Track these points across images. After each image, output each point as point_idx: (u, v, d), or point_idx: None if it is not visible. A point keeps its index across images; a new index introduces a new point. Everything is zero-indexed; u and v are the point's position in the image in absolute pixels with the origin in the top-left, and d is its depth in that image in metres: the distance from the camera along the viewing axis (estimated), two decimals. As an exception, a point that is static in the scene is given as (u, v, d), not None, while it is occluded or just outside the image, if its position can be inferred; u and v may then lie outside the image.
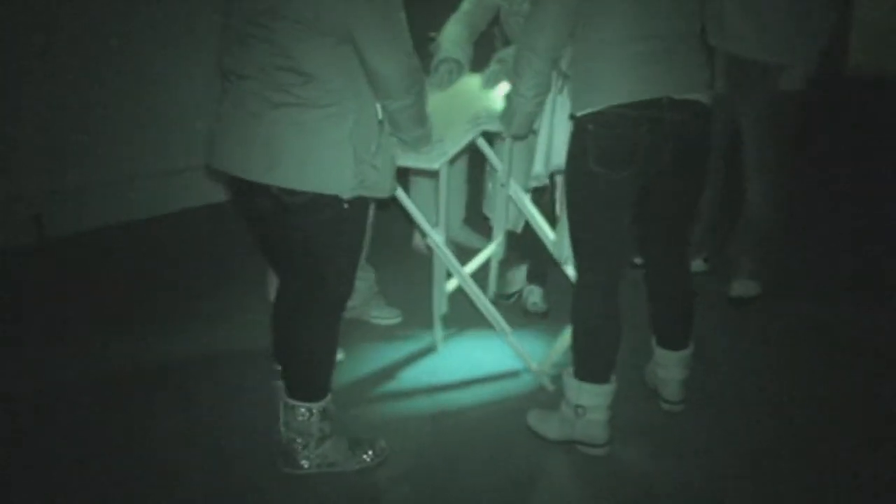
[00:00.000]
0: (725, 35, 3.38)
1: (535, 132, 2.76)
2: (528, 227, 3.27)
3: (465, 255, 3.36)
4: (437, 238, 3.03)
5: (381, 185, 2.36)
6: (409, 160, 2.62)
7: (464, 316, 3.38)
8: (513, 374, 3.15)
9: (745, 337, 3.45)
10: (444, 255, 3.05)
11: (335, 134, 2.21)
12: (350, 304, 2.68)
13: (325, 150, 2.22)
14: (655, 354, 2.89)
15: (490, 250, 3.39)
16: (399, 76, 2.24)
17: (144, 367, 3.23)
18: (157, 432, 2.83)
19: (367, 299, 3.43)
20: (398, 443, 2.72)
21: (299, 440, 2.54)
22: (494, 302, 3.33)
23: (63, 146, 4.36)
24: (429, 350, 3.31)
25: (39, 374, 3.17)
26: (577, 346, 2.67)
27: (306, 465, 2.56)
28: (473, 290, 3.09)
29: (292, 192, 2.25)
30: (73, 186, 4.43)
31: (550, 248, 3.16)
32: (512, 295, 3.66)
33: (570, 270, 2.99)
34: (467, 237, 4.09)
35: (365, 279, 3.36)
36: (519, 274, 3.65)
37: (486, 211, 3.53)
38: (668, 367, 2.86)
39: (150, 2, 4.47)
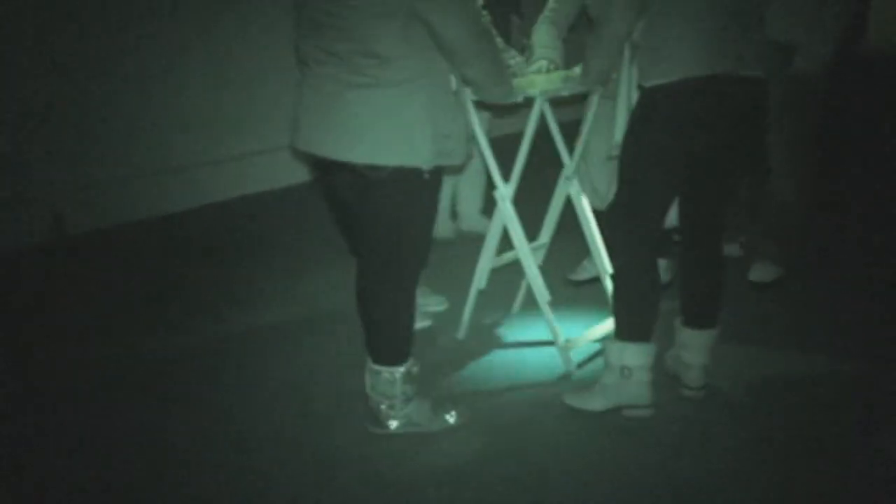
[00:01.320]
0: None
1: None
2: None
3: (481, 243, 3.33)
4: (504, 192, 3.10)
5: (456, 152, 2.50)
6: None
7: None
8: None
9: (760, 323, 3.40)
10: (507, 211, 3.11)
11: (412, 110, 2.35)
12: None
13: (403, 125, 2.35)
14: (681, 337, 2.86)
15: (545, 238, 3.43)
16: (470, 41, 2.35)
17: (208, 344, 3.35)
18: (235, 401, 2.93)
19: None
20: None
21: (385, 402, 2.66)
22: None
23: (83, 143, 4.40)
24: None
25: (104, 355, 3.25)
26: (619, 306, 2.74)
27: (393, 426, 2.68)
28: (526, 254, 3.12)
29: (375, 168, 2.38)
30: (94, 183, 4.46)
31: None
32: (581, 282, 3.73)
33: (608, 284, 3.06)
34: (485, 227, 4.18)
35: None
36: (590, 264, 3.63)
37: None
38: (694, 350, 2.83)
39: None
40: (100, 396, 2.95)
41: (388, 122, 2.35)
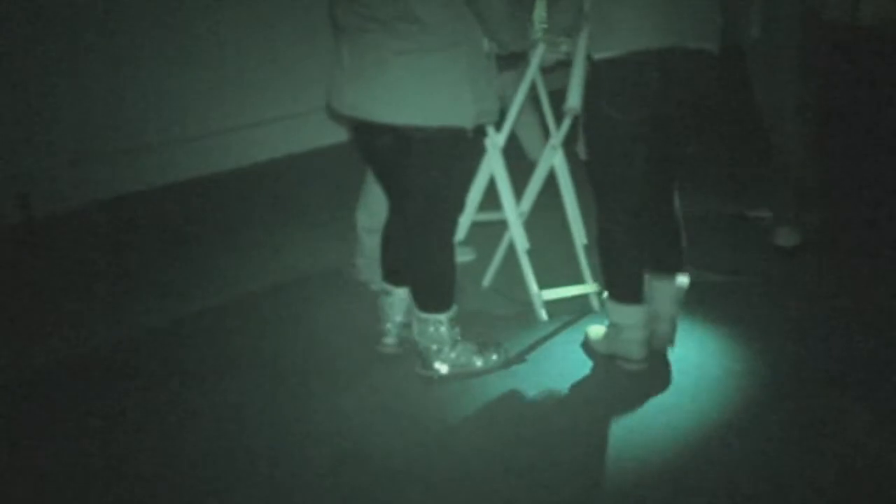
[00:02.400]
0: None
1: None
2: None
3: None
4: (496, 139, 3.19)
5: (492, 110, 2.68)
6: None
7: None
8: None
9: (783, 286, 3.48)
10: (496, 160, 3.18)
11: (455, 74, 2.50)
12: None
13: (448, 88, 2.50)
14: (651, 289, 2.91)
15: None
16: (502, 8, 2.49)
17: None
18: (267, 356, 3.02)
19: None
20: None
21: (434, 347, 2.83)
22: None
23: (49, 123, 4.31)
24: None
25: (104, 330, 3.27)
26: (604, 270, 2.90)
27: (442, 369, 2.85)
28: (510, 202, 3.21)
29: (420, 129, 2.53)
30: (59, 163, 4.38)
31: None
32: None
33: None
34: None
35: None
36: None
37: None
38: (663, 300, 2.91)
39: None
40: (53, 384, 2.94)
41: (433, 85, 2.49)
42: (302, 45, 4.99)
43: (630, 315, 2.84)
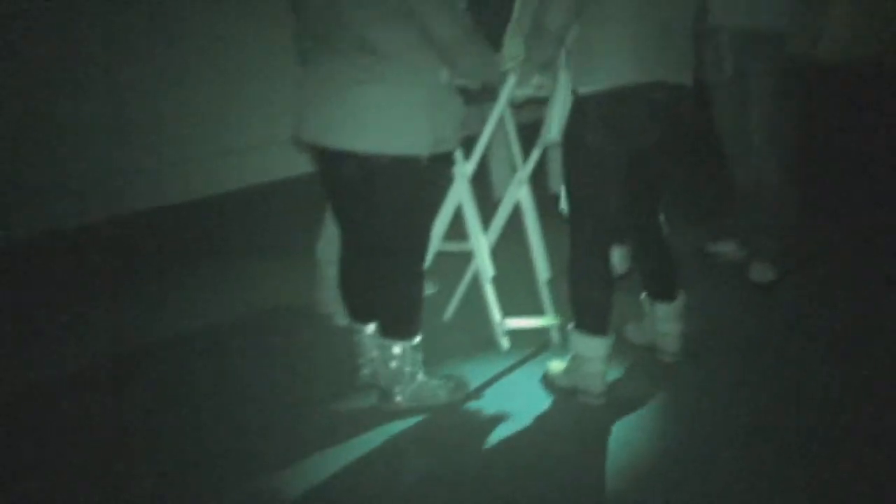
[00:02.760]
0: (728, 9, 3.49)
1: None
2: None
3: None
4: (463, 168, 3.23)
5: (451, 138, 2.72)
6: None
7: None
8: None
9: (755, 322, 3.49)
10: (464, 189, 3.23)
11: (412, 105, 2.56)
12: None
13: (403, 116, 2.56)
14: (653, 312, 3.14)
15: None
16: (459, 36, 2.55)
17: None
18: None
19: None
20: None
21: (396, 377, 2.84)
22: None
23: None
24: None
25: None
26: (573, 299, 2.93)
27: (401, 401, 2.86)
28: (477, 230, 3.27)
29: (378, 156, 2.58)
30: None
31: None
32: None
33: None
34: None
35: None
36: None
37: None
38: (668, 321, 3.12)
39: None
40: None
41: (389, 114, 2.55)
42: (273, 74, 5.02)
43: (594, 347, 2.88)
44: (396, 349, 2.81)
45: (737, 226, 3.87)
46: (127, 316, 3.60)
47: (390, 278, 2.78)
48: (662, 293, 3.12)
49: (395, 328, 2.81)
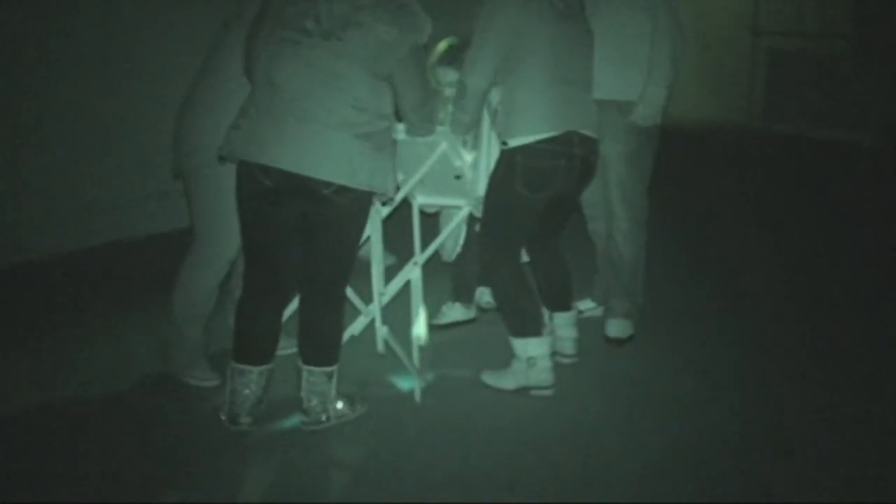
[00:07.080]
0: None
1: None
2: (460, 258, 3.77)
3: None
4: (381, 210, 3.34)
5: (394, 184, 2.93)
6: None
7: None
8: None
9: (617, 376, 3.47)
10: (375, 224, 3.31)
11: (385, 152, 2.81)
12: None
13: (378, 159, 2.78)
14: (553, 322, 3.45)
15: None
16: (424, 100, 2.91)
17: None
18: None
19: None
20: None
21: (318, 400, 2.94)
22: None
23: None
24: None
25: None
26: (507, 312, 3.25)
27: (325, 420, 2.95)
28: (378, 257, 3.35)
29: (344, 190, 2.72)
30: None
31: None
32: (444, 326, 3.84)
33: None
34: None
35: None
36: (451, 309, 3.87)
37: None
38: (566, 328, 3.48)
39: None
40: None
41: (366, 156, 2.73)
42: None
43: (541, 346, 3.21)
44: (324, 375, 2.91)
45: (598, 284, 3.95)
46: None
47: (324, 309, 2.91)
48: (561, 304, 3.47)
49: (324, 356, 2.92)
